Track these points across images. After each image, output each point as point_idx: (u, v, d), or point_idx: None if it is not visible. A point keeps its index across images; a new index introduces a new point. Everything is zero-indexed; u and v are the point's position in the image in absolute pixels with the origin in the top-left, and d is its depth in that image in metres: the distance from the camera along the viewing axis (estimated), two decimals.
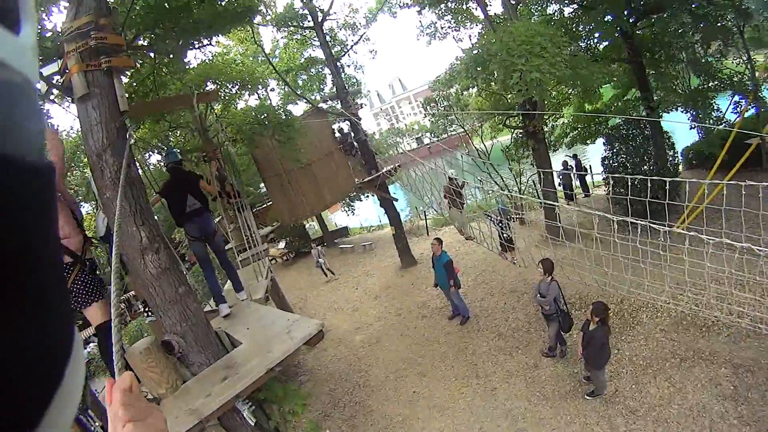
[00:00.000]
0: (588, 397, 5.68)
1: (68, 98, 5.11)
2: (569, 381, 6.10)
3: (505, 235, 8.14)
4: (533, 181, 14.55)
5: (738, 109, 11.07)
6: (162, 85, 7.11)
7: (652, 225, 4.31)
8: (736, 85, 10.88)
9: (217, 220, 6.98)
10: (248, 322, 4.30)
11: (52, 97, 5.09)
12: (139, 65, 6.52)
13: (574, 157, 13.96)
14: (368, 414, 6.63)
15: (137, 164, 3.69)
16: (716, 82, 11.23)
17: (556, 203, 9.27)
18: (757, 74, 11.08)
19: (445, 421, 6.06)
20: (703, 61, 11.23)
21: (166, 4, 4.82)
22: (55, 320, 0.23)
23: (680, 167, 11.46)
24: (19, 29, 0.22)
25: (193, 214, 4.40)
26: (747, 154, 7.71)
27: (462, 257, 11.27)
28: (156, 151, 10.90)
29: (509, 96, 11.63)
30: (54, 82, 4.03)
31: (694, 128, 12.41)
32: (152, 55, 5.80)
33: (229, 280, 5.46)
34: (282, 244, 19.20)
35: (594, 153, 19.13)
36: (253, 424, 3.20)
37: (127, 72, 6.48)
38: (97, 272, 3.13)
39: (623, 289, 5.26)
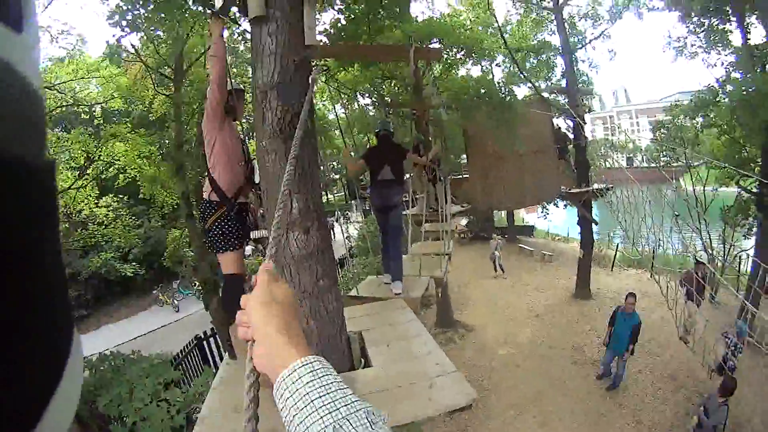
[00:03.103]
0: None
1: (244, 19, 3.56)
2: None
3: (730, 363, 6.20)
4: (740, 258, 11.60)
5: None
6: (378, 31, 6.24)
7: None
8: None
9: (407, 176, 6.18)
10: (391, 333, 3.57)
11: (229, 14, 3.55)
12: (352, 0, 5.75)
13: None
14: None
15: (314, 114, 2.86)
16: None
17: None
18: None
19: None
20: None
21: None
22: (55, 321, 0.24)
23: None
24: (21, 27, 0.21)
25: (382, 185, 4.30)
26: None
27: None
28: (366, 95, 10.21)
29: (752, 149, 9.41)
30: None
31: None
32: None
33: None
34: (464, 221, 18.25)
35: None
36: None
37: (334, 3, 5.73)
38: (247, 221, 2.79)
39: None
